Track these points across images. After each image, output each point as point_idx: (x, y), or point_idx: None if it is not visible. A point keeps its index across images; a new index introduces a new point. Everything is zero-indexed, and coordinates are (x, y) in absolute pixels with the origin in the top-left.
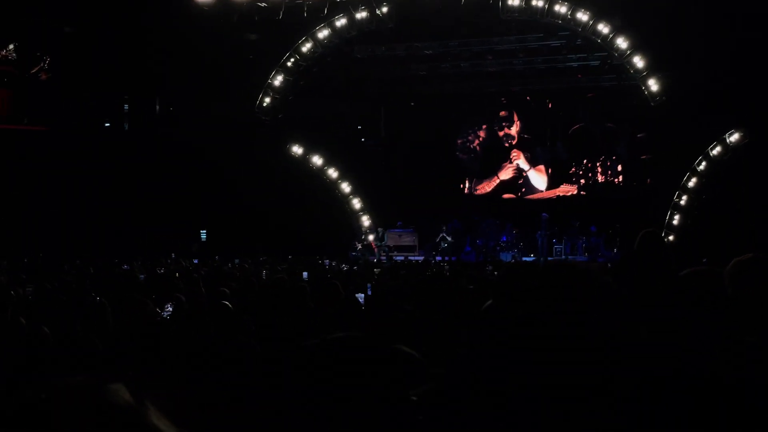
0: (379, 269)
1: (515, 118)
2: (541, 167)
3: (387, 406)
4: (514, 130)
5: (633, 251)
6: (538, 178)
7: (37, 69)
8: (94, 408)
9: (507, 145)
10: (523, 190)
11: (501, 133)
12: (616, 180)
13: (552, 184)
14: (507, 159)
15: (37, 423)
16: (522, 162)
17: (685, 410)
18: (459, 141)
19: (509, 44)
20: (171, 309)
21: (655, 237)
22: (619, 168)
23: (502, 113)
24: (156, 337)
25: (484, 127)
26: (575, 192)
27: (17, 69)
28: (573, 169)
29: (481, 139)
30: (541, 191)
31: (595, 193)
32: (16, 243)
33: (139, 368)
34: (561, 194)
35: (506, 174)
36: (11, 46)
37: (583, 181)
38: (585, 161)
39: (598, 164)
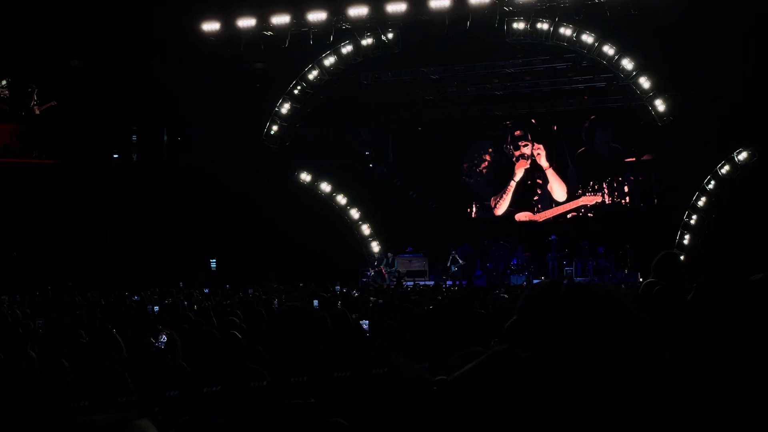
0: (374, 298)
1: (530, 137)
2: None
3: None
4: (529, 149)
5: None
6: (558, 188)
7: (32, 103)
8: None
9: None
10: (539, 206)
11: (517, 153)
12: (623, 201)
13: (572, 195)
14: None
15: None
16: (542, 159)
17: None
18: (465, 165)
19: (515, 67)
20: (164, 339)
21: (673, 259)
22: (626, 189)
23: (517, 132)
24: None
25: (489, 150)
26: (599, 200)
27: (10, 106)
28: (580, 191)
29: (487, 162)
30: (561, 203)
31: (604, 215)
32: (26, 276)
33: (158, 402)
34: (584, 204)
35: (519, 173)
36: (4, 82)
37: (599, 197)
38: (592, 183)
39: (605, 185)
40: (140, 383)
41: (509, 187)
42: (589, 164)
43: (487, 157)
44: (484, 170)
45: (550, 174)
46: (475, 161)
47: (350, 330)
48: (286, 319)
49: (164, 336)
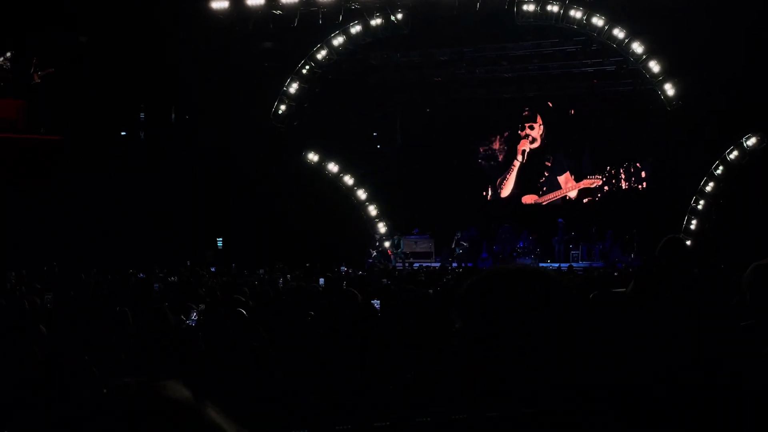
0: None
1: (539, 120)
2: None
3: None
4: (536, 131)
5: (654, 258)
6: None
7: (31, 69)
8: (158, 403)
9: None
10: (545, 189)
11: (522, 133)
12: (639, 186)
13: (576, 178)
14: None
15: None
16: (536, 130)
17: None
18: (481, 149)
19: (524, 50)
20: (195, 317)
21: (678, 243)
22: (643, 174)
23: (525, 113)
24: (179, 344)
25: (506, 134)
26: (600, 183)
27: (13, 76)
28: (597, 175)
29: (501, 146)
30: (564, 186)
31: (612, 199)
32: (33, 251)
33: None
34: (585, 187)
35: (521, 154)
36: (8, 54)
37: (600, 184)
38: (608, 168)
39: (621, 170)
40: (154, 358)
41: (512, 167)
42: (602, 149)
43: (501, 142)
44: (499, 154)
45: (553, 158)
46: (492, 145)
47: (361, 309)
48: (291, 299)
49: (195, 314)
